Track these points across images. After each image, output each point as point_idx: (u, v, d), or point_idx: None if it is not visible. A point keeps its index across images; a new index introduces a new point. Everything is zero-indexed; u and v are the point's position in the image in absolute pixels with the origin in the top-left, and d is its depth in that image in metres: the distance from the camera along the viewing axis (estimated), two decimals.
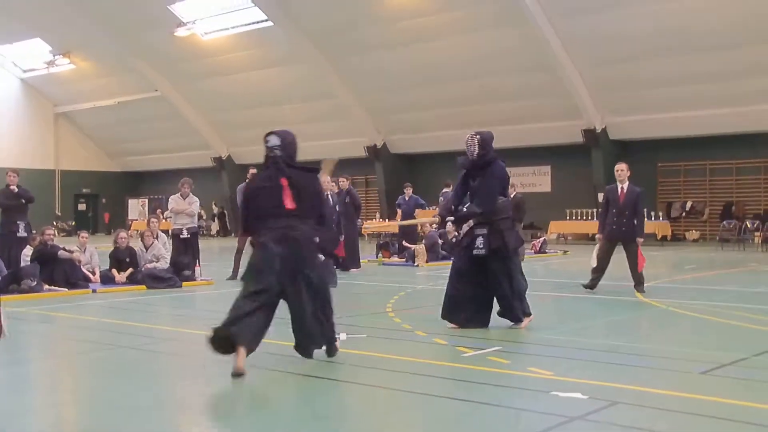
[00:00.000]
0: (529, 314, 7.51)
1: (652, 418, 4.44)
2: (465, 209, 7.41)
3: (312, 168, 6.09)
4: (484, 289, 7.42)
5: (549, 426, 4.31)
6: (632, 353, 6.32)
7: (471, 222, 7.40)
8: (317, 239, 6.00)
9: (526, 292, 7.60)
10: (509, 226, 7.48)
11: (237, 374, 5.38)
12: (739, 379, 5.43)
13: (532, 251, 19.51)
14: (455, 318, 7.46)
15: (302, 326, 5.82)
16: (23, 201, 13.52)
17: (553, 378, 5.47)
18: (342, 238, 13.76)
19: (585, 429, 4.27)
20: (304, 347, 5.90)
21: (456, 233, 16.83)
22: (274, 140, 5.92)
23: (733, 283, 12.15)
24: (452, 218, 7.64)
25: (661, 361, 5.95)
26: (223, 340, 5.54)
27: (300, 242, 5.79)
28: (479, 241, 7.29)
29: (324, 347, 5.99)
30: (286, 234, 5.77)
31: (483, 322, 7.47)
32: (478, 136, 7.38)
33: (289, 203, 5.81)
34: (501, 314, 7.51)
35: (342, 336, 7.14)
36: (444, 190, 18.03)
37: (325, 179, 10.66)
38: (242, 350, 5.46)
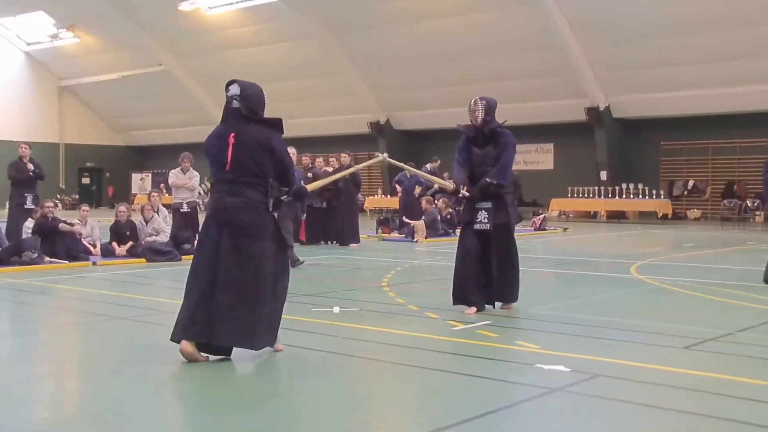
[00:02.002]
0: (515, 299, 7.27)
1: (631, 391, 4.54)
2: (486, 180, 6.94)
3: (274, 121, 5.33)
4: (486, 267, 7.08)
5: (530, 397, 4.42)
6: (619, 328, 6.43)
7: (465, 194, 7.03)
8: (267, 207, 5.28)
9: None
10: (512, 201, 7.27)
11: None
12: (720, 353, 5.53)
13: (532, 228, 19.59)
14: (471, 300, 7.01)
15: (219, 313, 5.09)
16: (32, 175, 13.56)
17: (539, 351, 5.58)
18: (303, 218, 13.79)
19: (565, 400, 4.37)
20: (214, 337, 5.12)
21: (451, 209, 16.95)
22: (234, 89, 5.28)
23: (729, 262, 12.24)
24: (467, 193, 7.01)
25: (647, 336, 6.05)
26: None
27: (233, 211, 5.12)
28: (482, 215, 6.99)
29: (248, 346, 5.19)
30: (222, 200, 5.17)
31: (488, 300, 7.17)
32: (483, 101, 7.00)
33: (228, 164, 5.18)
34: (496, 294, 7.17)
35: (335, 309, 7.29)
36: (426, 165, 18.24)
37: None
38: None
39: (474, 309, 7.01)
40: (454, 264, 7.24)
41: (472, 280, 7.02)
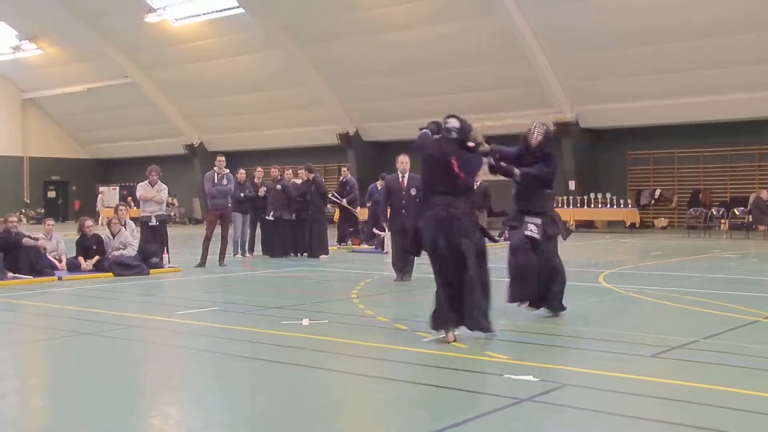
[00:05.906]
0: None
1: (599, 400, 4.57)
2: (523, 169, 7.29)
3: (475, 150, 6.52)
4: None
5: (499, 407, 4.42)
6: (587, 337, 6.48)
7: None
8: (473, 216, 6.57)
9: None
10: (558, 217, 7.66)
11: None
12: (685, 361, 5.59)
13: (502, 238, 19.60)
14: (526, 293, 7.36)
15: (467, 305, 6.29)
16: None
17: (508, 362, 5.59)
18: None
19: (533, 410, 4.38)
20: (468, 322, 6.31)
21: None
22: (454, 123, 6.45)
23: (694, 270, 12.39)
24: (493, 163, 7.33)
25: (614, 345, 6.09)
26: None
27: (458, 218, 6.28)
28: (531, 227, 7.29)
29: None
30: (447, 211, 6.29)
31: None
32: (544, 127, 7.46)
33: (453, 181, 6.34)
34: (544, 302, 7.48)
35: (304, 322, 7.24)
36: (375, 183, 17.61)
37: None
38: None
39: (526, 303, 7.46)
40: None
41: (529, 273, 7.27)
